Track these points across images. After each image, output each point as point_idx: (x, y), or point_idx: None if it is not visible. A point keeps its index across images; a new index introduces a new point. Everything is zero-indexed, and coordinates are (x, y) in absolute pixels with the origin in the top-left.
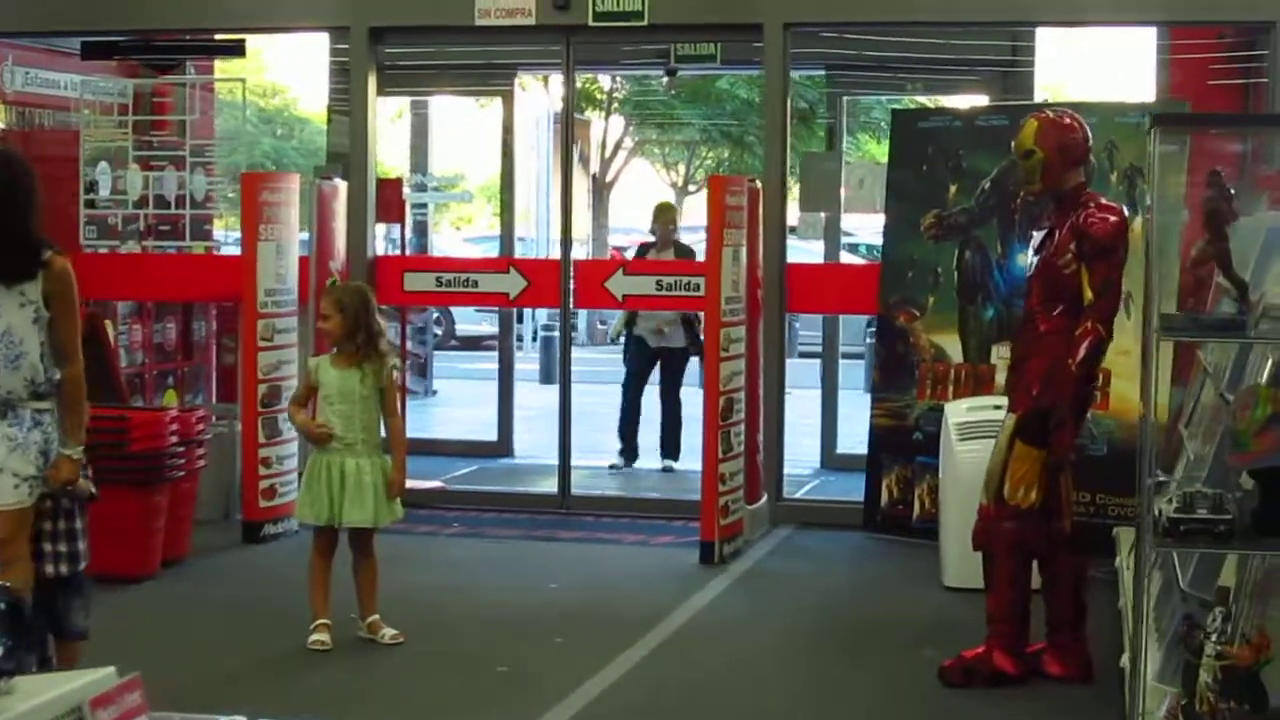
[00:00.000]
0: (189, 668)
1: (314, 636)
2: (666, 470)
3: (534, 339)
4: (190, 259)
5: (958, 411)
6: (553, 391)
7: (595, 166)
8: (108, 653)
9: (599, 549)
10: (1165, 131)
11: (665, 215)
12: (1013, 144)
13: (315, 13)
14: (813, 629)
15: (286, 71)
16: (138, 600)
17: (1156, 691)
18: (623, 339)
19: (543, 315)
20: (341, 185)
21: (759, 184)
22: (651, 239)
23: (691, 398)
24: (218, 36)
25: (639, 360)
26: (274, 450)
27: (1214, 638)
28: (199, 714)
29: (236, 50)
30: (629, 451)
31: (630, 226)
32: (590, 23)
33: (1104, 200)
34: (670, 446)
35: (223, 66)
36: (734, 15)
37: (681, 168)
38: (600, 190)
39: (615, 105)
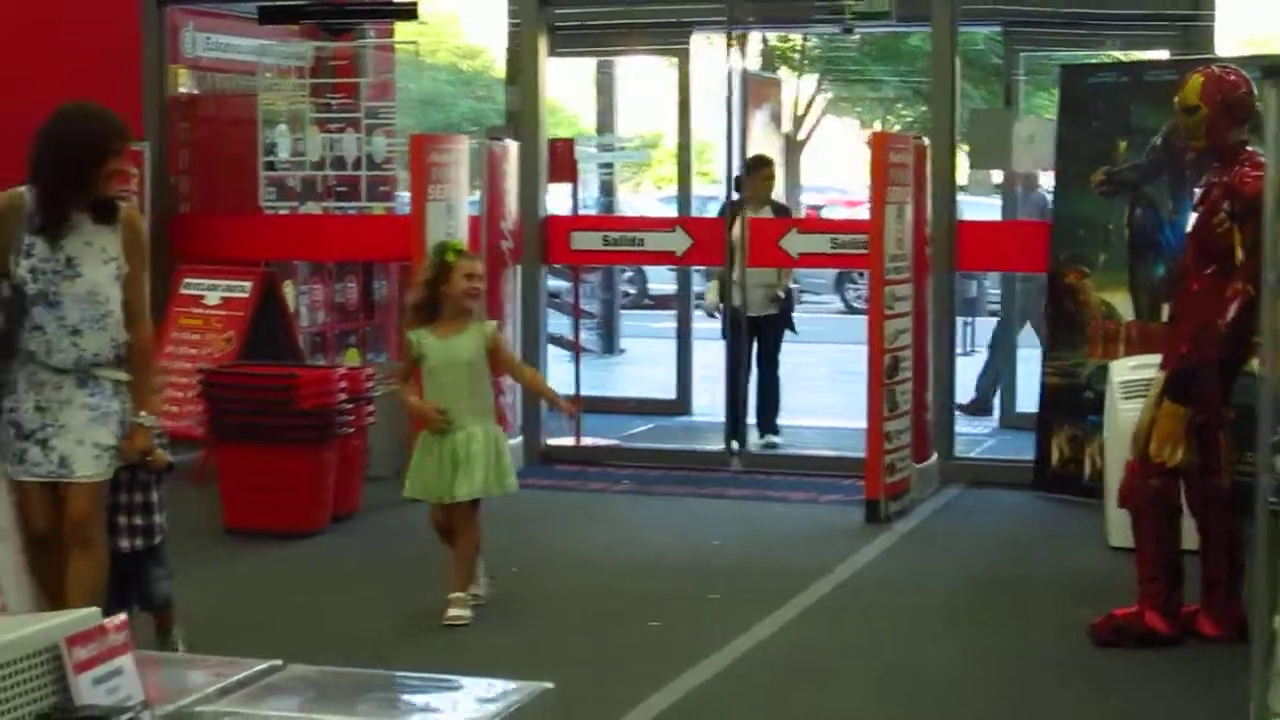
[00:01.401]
0: (339, 621)
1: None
2: (769, 447)
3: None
4: (361, 219)
5: (1122, 370)
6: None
7: (787, 125)
8: (264, 605)
9: (765, 506)
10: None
11: (760, 171)
12: (1176, 99)
13: None
14: (970, 587)
15: (486, 34)
16: (305, 554)
17: None
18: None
19: None
20: (512, 146)
21: (926, 141)
22: (735, 196)
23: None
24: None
25: (741, 338)
26: None
27: None
28: (230, 657)
29: (410, 13)
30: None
31: (825, 185)
32: None
33: (1260, 158)
34: (769, 421)
35: (420, 29)
36: None
37: (877, 125)
38: (792, 149)
39: (807, 64)
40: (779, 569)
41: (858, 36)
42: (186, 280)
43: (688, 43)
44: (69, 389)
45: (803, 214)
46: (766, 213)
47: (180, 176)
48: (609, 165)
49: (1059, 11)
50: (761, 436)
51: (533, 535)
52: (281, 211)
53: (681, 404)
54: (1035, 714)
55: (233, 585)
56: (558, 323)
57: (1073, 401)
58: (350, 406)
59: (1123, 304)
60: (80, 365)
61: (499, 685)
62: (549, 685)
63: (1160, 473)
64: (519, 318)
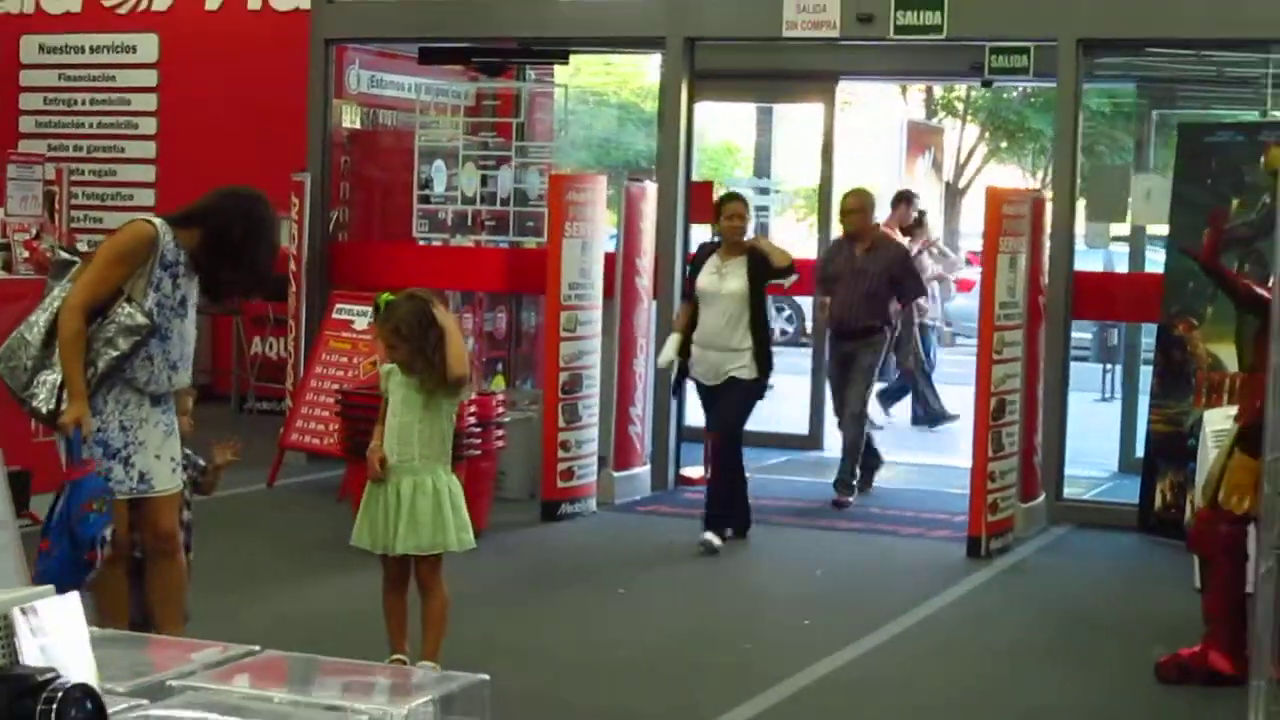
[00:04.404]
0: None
1: None
2: (707, 551)
3: None
4: (506, 252)
5: (1216, 419)
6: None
7: (949, 173)
8: (367, 612)
9: (874, 539)
10: None
11: (721, 209)
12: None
13: (634, 23)
14: (1053, 623)
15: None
16: None
17: None
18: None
19: None
20: (651, 187)
21: (1047, 194)
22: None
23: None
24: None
25: (703, 407)
26: (573, 434)
27: None
28: (203, 639)
29: (562, 57)
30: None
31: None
32: (891, 36)
33: None
34: (719, 520)
35: (606, 69)
36: (1031, 30)
37: (1040, 174)
38: (954, 196)
39: (970, 114)
40: (874, 599)
41: (1020, 89)
42: (338, 305)
43: (833, 91)
44: (147, 407)
45: (963, 259)
46: (739, 261)
47: (340, 207)
48: (764, 208)
49: (1190, 70)
50: (700, 535)
51: (643, 560)
52: (434, 243)
53: (813, 439)
54: None
55: (345, 593)
56: None
57: (1177, 448)
58: (479, 430)
59: (1229, 356)
60: (166, 395)
61: (436, 674)
62: (484, 676)
63: (1230, 519)
64: (651, 352)
